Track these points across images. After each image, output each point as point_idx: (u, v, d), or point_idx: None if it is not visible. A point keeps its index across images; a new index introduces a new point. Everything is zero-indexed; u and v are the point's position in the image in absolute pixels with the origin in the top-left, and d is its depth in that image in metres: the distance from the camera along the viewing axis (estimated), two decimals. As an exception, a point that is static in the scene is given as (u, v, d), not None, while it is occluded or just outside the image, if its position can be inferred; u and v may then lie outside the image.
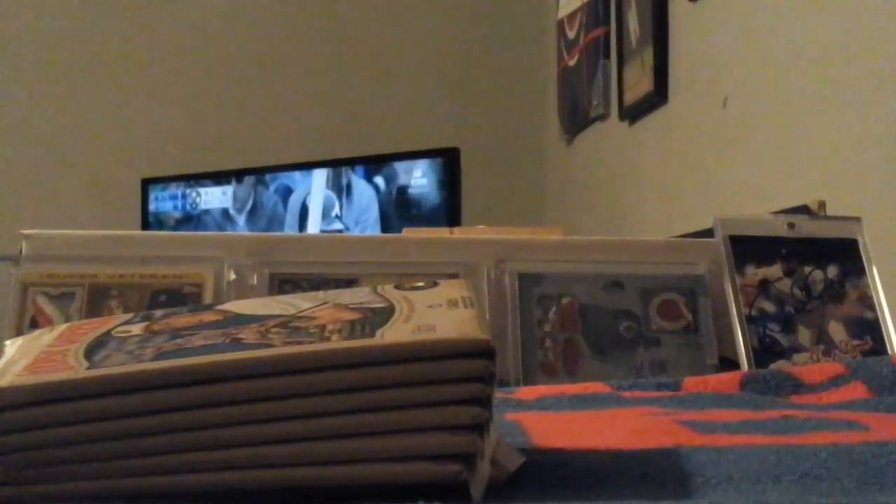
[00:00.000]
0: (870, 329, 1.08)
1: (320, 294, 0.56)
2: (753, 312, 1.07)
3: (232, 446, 0.46)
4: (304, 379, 0.46)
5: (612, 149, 2.64)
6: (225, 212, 2.83)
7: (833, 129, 1.63)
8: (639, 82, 2.35)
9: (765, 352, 1.05)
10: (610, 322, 1.08)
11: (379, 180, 2.73)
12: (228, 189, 2.85)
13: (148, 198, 2.92)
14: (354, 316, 0.51)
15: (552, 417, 0.75)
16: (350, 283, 1.04)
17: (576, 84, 2.81)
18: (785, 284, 1.09)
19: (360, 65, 3.24)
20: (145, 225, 2.88)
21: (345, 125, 3.15)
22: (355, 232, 2.66)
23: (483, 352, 0.46)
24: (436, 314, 0.50)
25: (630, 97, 2.42)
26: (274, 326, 0.51)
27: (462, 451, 0.45)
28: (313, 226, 2.73)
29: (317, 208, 2.75)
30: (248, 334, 0.50)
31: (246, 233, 2.37)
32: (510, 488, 0.49)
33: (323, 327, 0.50)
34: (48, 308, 1.03)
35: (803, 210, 1.50)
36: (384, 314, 0.50)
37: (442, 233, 1.47)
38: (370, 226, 2.68)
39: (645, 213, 2.42)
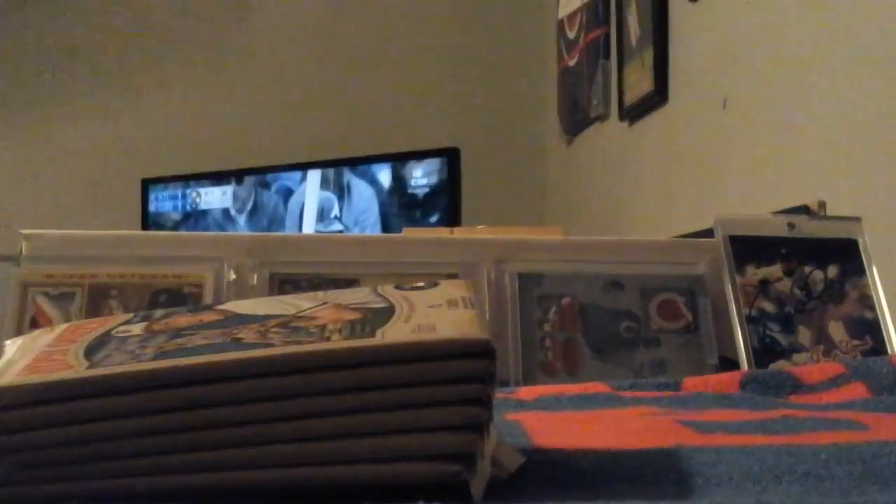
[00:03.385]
0: (870, 329, 1.08)
1: (320, 294, 0.56)
2: (753, 312, 1.07)
3: (232, 446, 0.46)
4: (304, 379, 0.46)
5: (612, 149, 2.64)
6: (226, 212, 2.83)
7: (833, 129, 1.63)
8: (639, 82, 2.35)
9: (765, 352, 1.05)
10: (610, 322, 1.08)
11: (379, 180, 2.73)
12: (228, 189, 2.85)
13: (148, 198, 2.92)
14: (354, 316, 0.51)
15: (552, 417, 0.75)
16: (350, 283, 1.04)
17: (576, 84, 2.81)
18: (785, 284, 1.09)
19: (360, 65, 3.24)
20: (145, 225, 2.89)
21: (345, 125, 3.15)
22: (355, 232, 2.66)
23: (483, 352, 0.46)
24: (436, 314, 0.50)
25: (630, 97, 2.42)
26: (274, 326, 0.51)
27: (462, 451, 0.45)
28: (308, 226, 2.73)
29: (311, 209, 2.75)
30: (248, 334, 0.50)
31: (246, 233, 2.37)
32: (510, 488, 0.49)
33: (323, 327, 0.50)
34: (48, 308, 1.03)
35: (803, 210, 1.50)
36: (384, 314, 0.50)
37: (442, 233, 1.47)
38: (370, 226, 2.68)
39: (645, 213, 2.42)
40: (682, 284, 1.10)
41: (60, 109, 3.17)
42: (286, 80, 3.24)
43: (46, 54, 3.19)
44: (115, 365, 0.48)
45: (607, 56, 2.59)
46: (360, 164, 2.75)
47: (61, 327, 0.56)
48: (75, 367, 0.48)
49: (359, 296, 0.55)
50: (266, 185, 2.80)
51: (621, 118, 2.53)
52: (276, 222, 2.77)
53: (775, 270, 1.09)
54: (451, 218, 2.59)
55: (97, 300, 1.03)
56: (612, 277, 1.09)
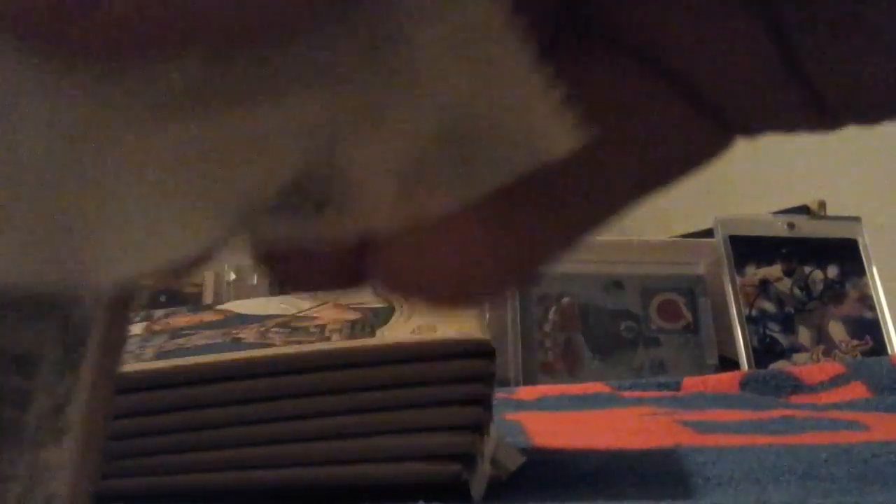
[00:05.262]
0: (870, 329, 1.08)
1: (320, 294, 0.56)
2: (753, 312, 1.07)
3: (232, 446, 0.46)
4: (304, 379, 0.46)
5: (612, 149, 2.64)
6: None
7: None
8: (639, 82, 2.35)
9: (765, 352, 1.05)
10: (610, 322, 1.08)
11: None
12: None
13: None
14: (354, 316, 0.51)
15: (552, 417, 0.75)
16: (350, 283, 1.04)
17: (576, 84, 2.82)
18: (785, 284, 1.09)
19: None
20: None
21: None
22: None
23: (483, 352, 0.46)
24: (436, 314, 0.50)
25: (630, 97, 2.43)
26: (274, 326, 0.51)
27: (462, 451, 0.45)
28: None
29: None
30: (248, 334, 0.50)
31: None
32: (510, 488, 0.49)
33: (323, 327, 0.50)
34: (48, 308, 1.02)
35: (803, 210, 1.50)
36: (384, 314, 0.50)
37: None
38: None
39: (645, 213, 2.42)
40: (682, 284, 1.10)
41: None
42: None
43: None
44: (115, 365, 0.47)
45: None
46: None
47: (61, 327, 0.56)
48: (75, 367, 0.48)
49: (359, 296, 0.55)
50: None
51: (621, 118, 2.53)
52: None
53: (775, 270, 1.09)
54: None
55: (97, 300, 1.03)
56: (612, 277, 1.09)
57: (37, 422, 0.18)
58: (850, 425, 0.66)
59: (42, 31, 0.12)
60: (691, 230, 1.75)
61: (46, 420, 0.18)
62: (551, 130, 0.15)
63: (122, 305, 0.18)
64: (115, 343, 0.18)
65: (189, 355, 0.47)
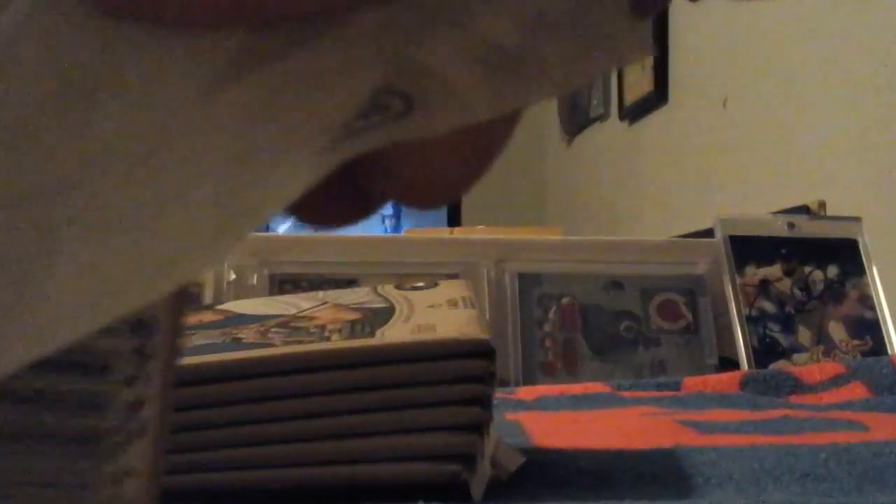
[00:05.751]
0: (870, 329, 1.08)
1: (320, 294, 0.56)
2: (753, 312, 1.07)
3: (232, 446, 0.46)
4: (304, 379, 0.46)
5: (612, 149, 2.64)
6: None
7: (833, 129, 1.63)
8: (639, 82, 2.35)
9: (765, 352, 1.05)
10: (610, 322, 1.08)
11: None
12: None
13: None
14: (354, 316, 0.51)
15: (552, 417, 0.75)
16: (350, 283, 1.04)
17: (576, 84, 2.82)
18: (785, 284, 1.09)
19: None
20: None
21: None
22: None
23: (483, 352, 0.46)
24: (436, 314, 0.50)
25: (630, 97, 2.42)
26: (274, 326, 0.51)
27: (462, 451, 0.45)
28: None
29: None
30: (248, 334, 0.50)
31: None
32: (510, 488, 0.49)
33: (323, 327, 0.50)
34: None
35: (803, 210, 1.50)
36: (384, 314, 0.50)
37: (442, 233, 1.47)
38: (376, 227, 2.68)
39: (645, 213, 2.42)
40: (682, 284, 1.10)
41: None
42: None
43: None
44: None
45: (607, 56, 2.59)
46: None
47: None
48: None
49: (359, 296, 0.55)
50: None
51: (621, 118, 2.53)
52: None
53: (775, 270, 1.09)
54: (451, 218, 2.59)
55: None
56: (612, 277, 1.09)
57: (114, 425, 0.18)
58: (850, 425, 0.66)
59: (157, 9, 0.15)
60: (691, 230, 1.76)
61: (123, 422, 0.18)
62: (629, 33, 0.16)
63: (182, 302, 0.18)
64: (177, 341, 0.18)
65: (189, 355, 0.47)
